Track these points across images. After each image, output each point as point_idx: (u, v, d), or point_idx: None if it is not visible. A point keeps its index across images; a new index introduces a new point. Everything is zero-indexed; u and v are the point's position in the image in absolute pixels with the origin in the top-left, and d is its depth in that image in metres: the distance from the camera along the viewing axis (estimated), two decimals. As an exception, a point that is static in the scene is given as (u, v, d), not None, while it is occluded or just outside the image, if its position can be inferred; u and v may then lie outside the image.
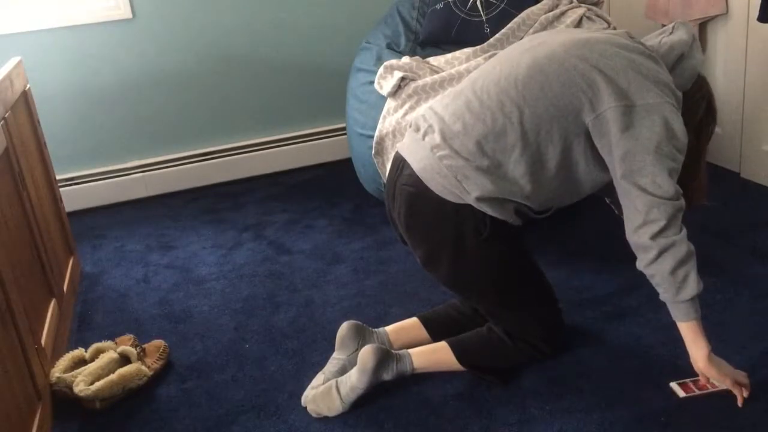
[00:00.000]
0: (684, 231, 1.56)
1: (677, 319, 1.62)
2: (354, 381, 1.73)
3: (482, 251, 1.68)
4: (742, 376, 1.66)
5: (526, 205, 1.68)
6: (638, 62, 1.59)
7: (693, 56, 1.71)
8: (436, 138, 1.67)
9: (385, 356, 1.75)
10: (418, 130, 1.74)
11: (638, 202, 1.55)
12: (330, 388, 1.75)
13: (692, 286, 1.56)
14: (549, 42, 1.68)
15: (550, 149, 1.61)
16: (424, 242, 1.75)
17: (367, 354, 1.73)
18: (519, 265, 1.77)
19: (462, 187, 1.62)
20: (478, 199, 1.61)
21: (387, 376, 1.76)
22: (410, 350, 1.81)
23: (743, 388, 1.65)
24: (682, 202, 1.57)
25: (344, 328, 1.86)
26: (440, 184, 1.65)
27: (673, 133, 1.55)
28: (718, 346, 1.85)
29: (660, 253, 1.54)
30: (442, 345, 1.81)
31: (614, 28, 2.60)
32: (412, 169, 1.69)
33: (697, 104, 1.76)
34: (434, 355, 1.80)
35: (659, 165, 1.53)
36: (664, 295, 1.60)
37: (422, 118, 1.76)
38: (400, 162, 1.75)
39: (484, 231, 1.65)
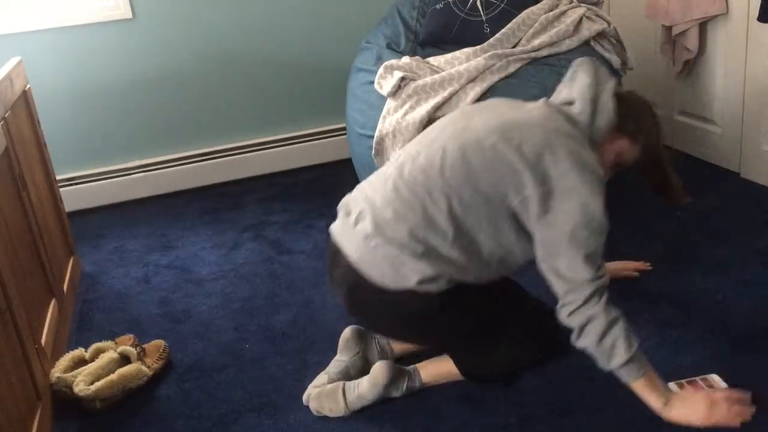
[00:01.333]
0: (602, 300, 1.54)
1: (624, 382, 1.59)
2: (363, 392, 1.75)
3: (439, 321, 1.67)
4: (720, 401, 1.57)
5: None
6: (559, 144, 1.57)
7: (604, 90, 1.70)
8: (368, 226, 1.65)
9: (398, 374, 1.77)
10: (348, 214, 1.72)
11: (556, 286, 1.58)
12: (336, 391, 1.76)
13: (621, 353, 1.54)
14: (473, 126, 1.66)
15: (482, 233, 1.60)
16: (377, 327, 1.78)
17: (380, 370, 1.75)
18: (487, 306, 1.73)
19: (400, 274, 1.61)
20: (419, 282, 1.60)
21: (396, 393, 1.77)
22: (418, 365, 1.82)
23: (739, 407, 1.57)
24: (603, 280, 1.56)
25: (347, 332, 1.88)
26: (378, 274, 1.63)
27: (591, 217, 1.54)
28: (718, 345, 1.85)
29: (581, 330, 1.56)
30: (446, 357, 1.82)
31: (614, 28, 2.61)
32: (347, 259, 1.68)
33: (654, 135, 1.81)
34: (440, 369, 1.81)
35: (573, 251, 1.53)
36: (600, 364, 1.58)
37: (353, 201, 1.74)
38: (335, 250, 1.73)
39: (433, 307, 1.63)
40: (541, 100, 1.74)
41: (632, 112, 1.76)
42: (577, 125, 1.66)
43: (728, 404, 1.57)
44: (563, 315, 1.57)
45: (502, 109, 1.73)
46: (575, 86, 1.72)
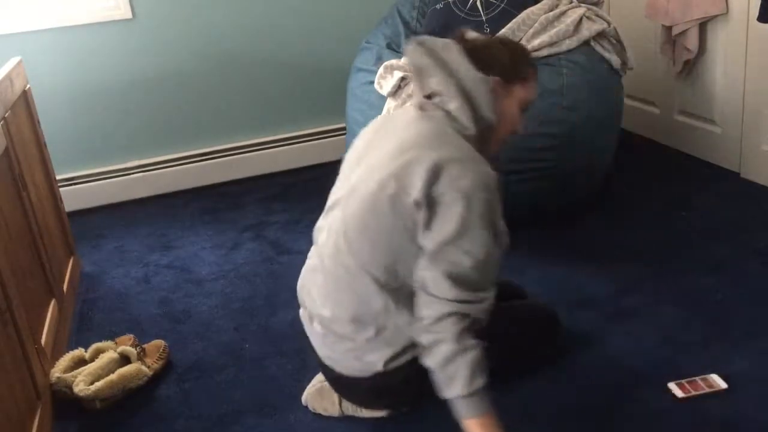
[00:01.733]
0: (459, 326, 1.44)
1: (456, 416, 1.47)
2: (361, 412, 1.74)
3: (425, 382, 1.55)
4: None
5: None
6: (444, 162, 1.44)
7: (459, 71, 1.53)
8: (318, 328, 1.64)
9: None
10: (305, 306, 1.71)
11: (418, 298, 1.50)
12: (333, 391, 1.75)
13: (459, 385, 1.43)
14: (355, 184, 1.58)
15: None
16: (369, 407, 1.73)
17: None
18: None
19: (365, 363, 1.58)
20: (386, 364, 1.56)
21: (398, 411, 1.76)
22: None
23: None
24: (469, 307, 1.46)
25: None
26: (346, 368, 1.62)
27: (465, 235, 1.43)
28: (718, 345, 1.85)
29: (428, 349, 1.47)
30: None
31: (614, 28, 2.61)
32: (317, 355, 1.69)
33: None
34: None
35: (438, 267, 1.44)
36: (438, 389, 1.48)
37: (303, 291, 1.71)
38: (307, 341, 1.74)
39: (411, 374, 1.57)
40: (413, 106, 1.61)
41: (499, 58, 1.61)
42: (461, 122, 1.54)
43: None
44: (416, 329, 1.49)
45: (384, 138, 1.61)
46: (432, 83, 1.57)
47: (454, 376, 1.43)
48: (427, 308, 1.46)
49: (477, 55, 1.56)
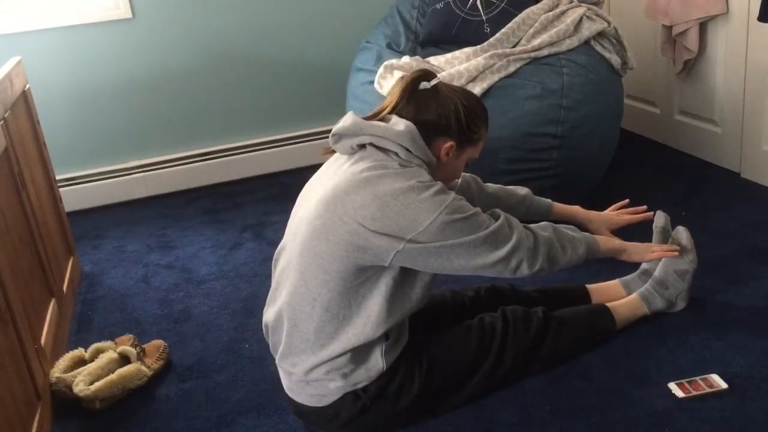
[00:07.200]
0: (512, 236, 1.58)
1: (596, 254, 1.77)
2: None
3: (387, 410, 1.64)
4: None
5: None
6: (390, 193, 1.50)
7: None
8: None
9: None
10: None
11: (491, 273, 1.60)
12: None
13: (576, 251, 1.71)
14: (304, 215, 1.65)
15: (370, 301, 1.57)
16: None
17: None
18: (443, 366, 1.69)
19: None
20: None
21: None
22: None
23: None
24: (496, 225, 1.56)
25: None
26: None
27: (454, 224, 1.50)
28: (718, 345, 1.85)
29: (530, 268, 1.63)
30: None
31: (614, 28, 2.61)
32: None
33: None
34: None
35: (472, 252, 1.53)
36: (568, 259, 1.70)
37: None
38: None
39: (363, 396, 1.61)
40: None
41: (454, 122, 1.61)
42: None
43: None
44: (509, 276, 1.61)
45: (328, 181, 1.71)
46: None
47: (558, 256, 1.67)
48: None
49: (431, 122, 1.59)
